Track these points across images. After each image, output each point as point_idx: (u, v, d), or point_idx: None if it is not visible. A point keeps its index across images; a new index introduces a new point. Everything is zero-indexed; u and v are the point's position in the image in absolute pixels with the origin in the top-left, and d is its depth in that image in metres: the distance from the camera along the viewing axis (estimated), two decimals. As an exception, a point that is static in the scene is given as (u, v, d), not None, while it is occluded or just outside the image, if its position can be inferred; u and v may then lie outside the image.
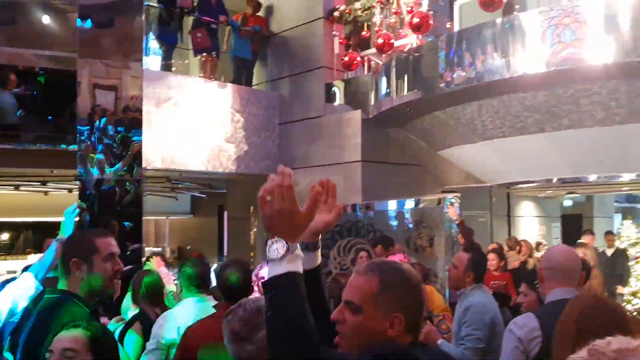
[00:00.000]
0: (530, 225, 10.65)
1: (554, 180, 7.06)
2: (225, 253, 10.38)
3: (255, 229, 8.45)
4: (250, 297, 2.44)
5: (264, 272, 3.94)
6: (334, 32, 7.79)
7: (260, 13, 8.52)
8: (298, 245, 1.36)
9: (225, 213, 9.88)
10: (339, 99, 7.81)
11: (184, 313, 3.11)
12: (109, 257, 2.18)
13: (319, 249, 1.68)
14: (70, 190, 8.78)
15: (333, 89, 7.85)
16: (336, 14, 7.64)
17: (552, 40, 5.15)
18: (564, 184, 7.68)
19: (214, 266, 11.84)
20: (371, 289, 1.43)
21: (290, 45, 8.21)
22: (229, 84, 7.90)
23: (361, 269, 1.51)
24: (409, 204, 7.65)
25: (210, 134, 7.52)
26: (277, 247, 1.34)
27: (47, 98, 6.72)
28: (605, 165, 6.29)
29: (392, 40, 6.76)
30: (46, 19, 7.17)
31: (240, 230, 8.85)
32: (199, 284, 3.25)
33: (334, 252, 7.51)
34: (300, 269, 1.34)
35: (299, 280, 1.32)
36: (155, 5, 7.53)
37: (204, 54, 7.92)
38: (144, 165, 6.45)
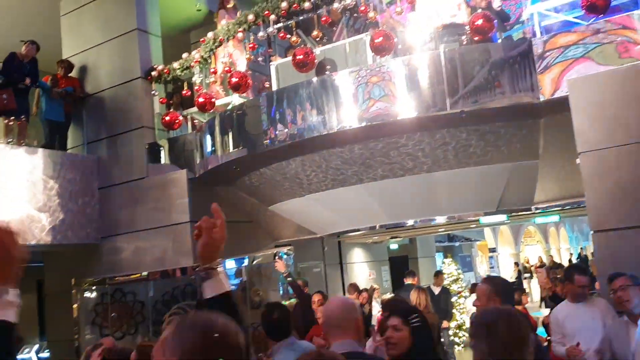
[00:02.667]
0: (362, 270, 11.14)
1: (377, 227, 7.47)
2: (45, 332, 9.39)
3: (78, 303, 7.76)
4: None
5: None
6: (153, 92, 7.63)
7: (74, 74, 8.09)
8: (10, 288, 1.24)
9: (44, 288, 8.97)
10: (163, 159, 7.60)
11: None
12: None
13: (222, 272, 1.66)
14: None
15: (158, 148, 7.63)
16: (154, 73, 7.51)
17: (363, 97, 5.54)
18: (387, 229, 8.16)
19: (35, 347, 10.66)
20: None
21: (108, 105, 7.87)
22: (40, 149, 7.30)
23: None
24: (245, 261, 7.61)
25: (19, 204, 6.84)
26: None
27: None
28: (419, 210, 6.82)
29: (213, 99, 6.79)
30: None
31: (61, 306, 8.05)
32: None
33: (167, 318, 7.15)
34: (11, 318, 1.22)
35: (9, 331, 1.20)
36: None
37: (11, 117, 7.26)
38: None
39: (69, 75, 8.00)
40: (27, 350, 10.61)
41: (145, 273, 7.34)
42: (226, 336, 1.27)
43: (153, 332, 7.17)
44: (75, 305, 7.77)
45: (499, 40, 6.05)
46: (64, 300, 7.88)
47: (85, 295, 7.84)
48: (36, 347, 10.59)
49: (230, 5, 7.61)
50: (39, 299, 10.71)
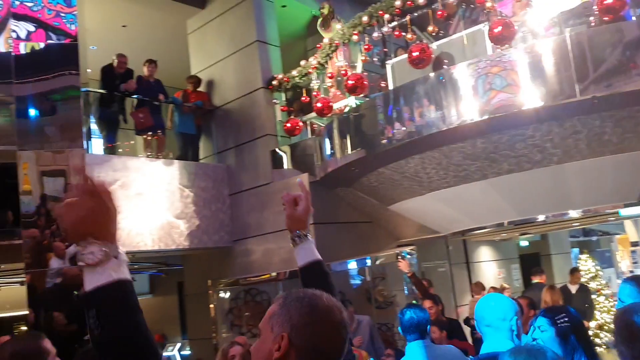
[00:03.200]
0: (490, 270, 10.76)
1: (505, 223, 7.18)
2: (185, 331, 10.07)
3: (215, 304, 8.25)
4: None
5: (235, 350, 3.80)
6: (274, 100, 7.94)
7: (202, 88, 8.65)
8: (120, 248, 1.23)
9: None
10: (286, 164, 7.87)
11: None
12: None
13: (312, 242, 1.81)
14: (22, 284, 8.42)
15: (281, 154, 7.93)
16: (275, 82, 7.82)
17: (483, 88, 5.37)
18: (516, 226, 7.81)
19: (178, 345, 11.45)
20: (270, 312, 1.36)
21: (234, 116, 8.31)
22: (176, 161, 7.88)
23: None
24: (367, 261, 7.67)
25: (160, 212, 7.42)
26: (92, 251, 1.18)
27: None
28: (550, 204, 6.46)
29: (330, 103, 6.92)
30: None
31: (199, 306, 8.62)
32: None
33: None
34: (129, 276, 1.21)
35: (130, 289, 1.20)
36: (96, 90, 7.56)
37: (149, 132, 7.93)
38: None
39: (198, 89, 8.55)
40: (170, 348, 11.44)
41: (274, 273, 7.64)
42: (330, 311, 1.31)
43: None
44: (212, 305, 8.27)
45: (633, 18, 5.59)
46: (202, 301, 8.42)
47: (220, 295, 8.32)
48: (178, 345, 11.38)
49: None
50: (180, 299, 11.54)
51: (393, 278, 7.56)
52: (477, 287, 8.86)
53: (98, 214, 1.22)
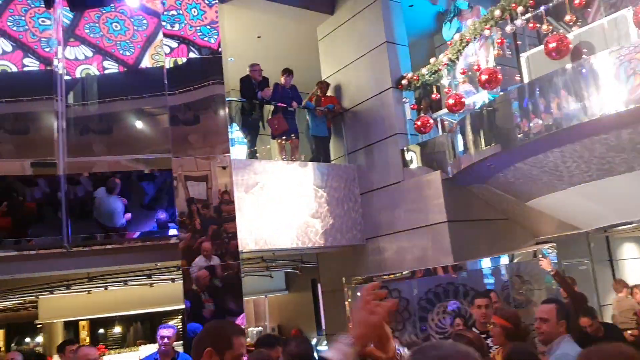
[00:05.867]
0: (636, 267, 10.03)
1: (655, 218, 6.72)
2: (323, 327, 10.42)
3: (349, 300, 8.48)
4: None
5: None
6: (403, 99, 8.03)
7: (331, 92, 8.95)
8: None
9: (319, 286, 10.00)
10: (416, 163, 7.93)
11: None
12: (239, 357, 2.24)
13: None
14: (173, 280, 9.25)
15: (409, 153, 7.99)
16: (404, 81, 7.91)
17: (627, 75, 5.09)
18: (666, 220, 7.27)
19: (314, 340, 11.88)
20: None
21: (363, 117, 8.52)
22: (309, 163, 8.24)
23: None
24: (504, 260, 7.49)
25: (296, 212, 7.80)
26: None
27: (146, 197, 7.24)
28: None
29: (462, 99, 6.88)
30: (139, 125, 7.82)
31: (334, 303, 8.91)
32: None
33: (432, 315, 7.41)
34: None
35: None
36: (237, 99, 8.13)
37: (283, 137, 8.36)
38: (239, 248, 6.79)
39: (327, 94, 8.87)
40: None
41: (408, 271, 7.71)
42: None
43: (419, 328, 7.49)
44: (347, 302, 8.51)
45: None
46: (337, 298, 8.70)
47: (355, 293, 8.54)
48: (314, 340, 11.79)
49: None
50: (314, 296, 11.96)
51: (532, 276, 7.34)
52: (619, 285, 8.33)
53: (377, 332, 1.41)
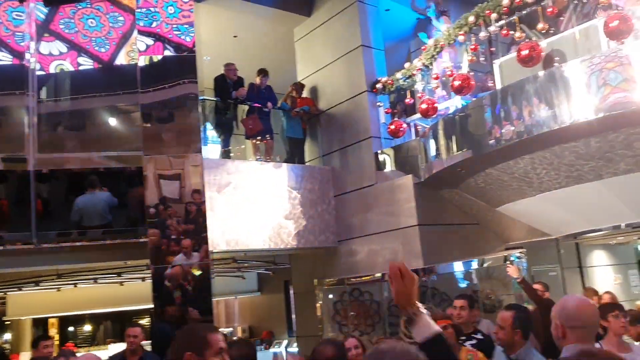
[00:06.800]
0: (606, 275, 10.18)
1: (622, 226, 6.83)
2: (294, 328, 10.40)
3: (320, 302, 8.48)
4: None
5: (351, 342, 3.93)
6: (378, 103, 8.06)
7: (306, 94, 8.95)
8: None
9: (291, 288, 9.98)
10: (389, 166, 7.96)
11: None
12: (219, 352, 2.25)
13: (425, 314, 1.90)
14: (143, 279, 9.15)
15: (383, 156, 8.03)
16: (379, 85, 7.94)
17: (597, 85, 5.17)
18: (634, 229, 7.39)
19: (285, 342, 11.86)
20: None
21: (339, 120, 8.53)
22: (284, 164, 8.23)
23: None
24: (474, 264, 7.56)
25: (270, 213, 7.78)
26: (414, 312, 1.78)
27: (117, 195, 7.15)
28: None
29: (435, 105, 6.93)
30: (112, 121, 7.73)
31: (306, 304, 8.91)
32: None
33: (402, 318, 7.44)
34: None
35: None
36: (211, 98, 8.08)
37: (258, 137, 8.33)
38: (210, 248, 6.75)
39: (303, 95, 8.86)
40: (277, 344, 11.87)
41: (379, 274, 7.74)
42: None
43: (390, 332, 7.52)
44: (318, 304, 8.51)
45: None
46: (309, 299, 8.70)
47: (327, 294, 8.55)
48: (285, 342, 11.78)
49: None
50: (286, 298, 11.94)
51: (501, 281, 7.41)
52: (589, 293, 8.42)
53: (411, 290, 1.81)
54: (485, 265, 7.57)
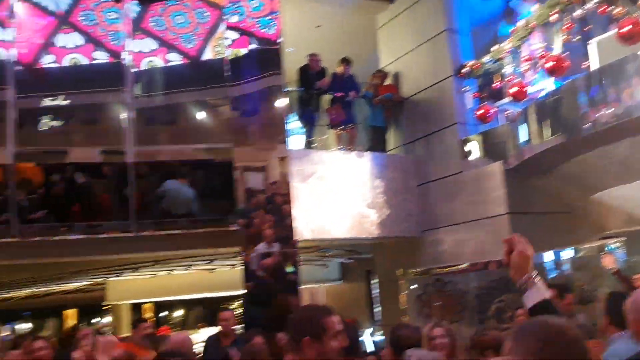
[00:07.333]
0: None
1: None
2: (376, 318, 10.41)
3: (406, 292, 8.43)
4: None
5: (437, 332, 3.91)
6: (464, 88, 7.87)
7: (389, 81, 8.87)
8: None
9: (375, 277, 9.99)
10: (476, 153, 7.76)
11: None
12: (336, 335, 2.25)
13: (539, 281, 1.94)
14: (233, 266, 9.46)
15: (469, 143, 7.83)
16: (465, 70, 7.75)
17: None
18: None
19: (369, 330, 11.90)
20: (506, 349, 1.51)
21: (422, 107, 8.41)
22: (366, 153, 8.22)
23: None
24: (567, 253, 7.25)
25: (352, 202, 7.80)
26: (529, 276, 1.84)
27: (208, 186, 7.42)
28: None
29: (526, 88, 6.68)
30: (201, 115, 8.01)
31: (389, 294, 8.88)
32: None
33: (491, 308, 7.27)
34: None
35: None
36: (295, 89, 8.20)
37: (341, 127, 8.38)
38: (295, 237, 6.88)
39: (385, 83, 8.80)
40: (361, 332, 11.90)
41: (465, 264, 7.58)
42: (565, 334, 1.43)
43: (478, 321, 7.36)
44: (403, 294, 8.46)
45: None
46: (392, 289, 8.66)
47: (411, 284, 8.48)
48: (370, 330, 11.81)
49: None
50: (368, 287, 11.96)
51: (596, 272, 7.07)
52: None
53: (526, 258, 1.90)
54: (579, 255, 7.25)
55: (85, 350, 4.72)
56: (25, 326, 17.48)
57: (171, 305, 14.81)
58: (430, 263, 8.10)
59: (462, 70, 7.79)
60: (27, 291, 12.58)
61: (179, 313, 15.08)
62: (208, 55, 7.53)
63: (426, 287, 8.23)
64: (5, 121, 6.65)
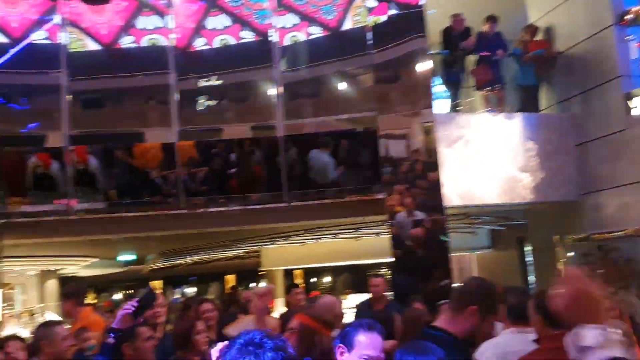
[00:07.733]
0: None
1: None
2: (530, 286, 9.99)
3: (564, 260, 7.98)
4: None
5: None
6: (627, 37, 7.15)
7: (540, 36, 8.31)
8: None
9: (528, 244, 9.58)
10: (643, 108, 7.06)
11: (503, 344, 3.13)
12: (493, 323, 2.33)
13: None
14: (377, 234, 9.60)
15: (635, 98, 7.13)
16: (629, 16, 7.03)
17: None
18: None
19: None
20: None
21: (578, 61, 7.78)
22: (516, 114, 7.83)
23: None
24: None
25: (503, 166, 7.50)
26: (588, 334, 1.38)
27: (353, 155, 7.54)
28: None
29: None
30: (344, 85, 8.11)
31: (544, 262, 8.46)
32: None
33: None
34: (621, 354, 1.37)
35: None
36: (439, 52, 8.00)
37: (488, 88, 8.04)
38: (444, 204, 6.79)
39: (536, 38, 8.25)
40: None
41: (632, 229, 6.99)
42: None
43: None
44: (561, 262, 8.02)
45: None
46: (547, 256, 8.24)
47: (569, 252, 8.00)
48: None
49: None
50: (520, 254, 11.48)
51: None
52: None
53: (583, 302, 1.40)
54: None
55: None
56: (192, 290, 19.27)
57: (320, 272, 15.41)
58: (591, 228, 7.59)
59: (625, 17, 7.08)
60: (194, 258, 13.80)
61: (327, 279, 15.65)
62: (348, 25, 7.59)
63: (588, 254, 7.72)
64: (169, 103, 7.25)
